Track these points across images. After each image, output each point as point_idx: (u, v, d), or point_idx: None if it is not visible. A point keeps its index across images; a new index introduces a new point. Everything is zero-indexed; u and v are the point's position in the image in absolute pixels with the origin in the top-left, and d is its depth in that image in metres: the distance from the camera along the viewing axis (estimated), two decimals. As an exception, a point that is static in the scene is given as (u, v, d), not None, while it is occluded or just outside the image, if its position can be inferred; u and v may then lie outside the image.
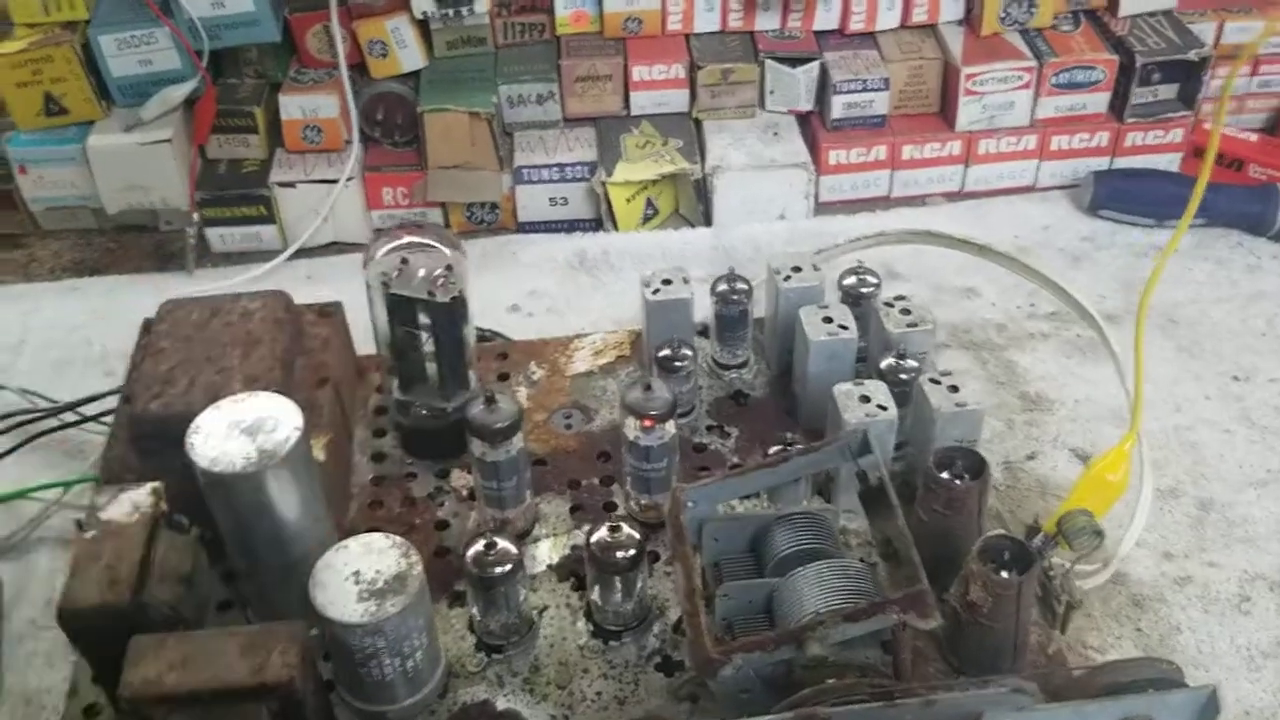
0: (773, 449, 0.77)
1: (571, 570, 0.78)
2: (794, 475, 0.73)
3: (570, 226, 1.24)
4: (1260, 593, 0.87)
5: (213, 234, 1.23)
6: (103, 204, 1.22)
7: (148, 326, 0.86)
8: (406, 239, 0.79)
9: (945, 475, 0.71)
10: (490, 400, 0.75)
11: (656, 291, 0.86)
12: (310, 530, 0.70)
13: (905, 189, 1.26)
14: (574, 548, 0.80)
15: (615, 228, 1.23)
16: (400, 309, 0.79)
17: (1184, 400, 1.03)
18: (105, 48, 1.16)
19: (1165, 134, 1.25)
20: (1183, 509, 0.93)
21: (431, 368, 0.83)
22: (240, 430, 0.67)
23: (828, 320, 0.82)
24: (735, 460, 0.85)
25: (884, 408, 0.76)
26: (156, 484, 0.71)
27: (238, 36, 1.18)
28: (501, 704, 0.71)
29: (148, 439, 0.76)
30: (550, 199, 1.23)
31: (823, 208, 1.25)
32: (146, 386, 0.77)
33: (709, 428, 0.87)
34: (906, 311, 0.83)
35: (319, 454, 0.78)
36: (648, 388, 0.75)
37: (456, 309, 0.79)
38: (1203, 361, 1.08)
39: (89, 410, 1.00)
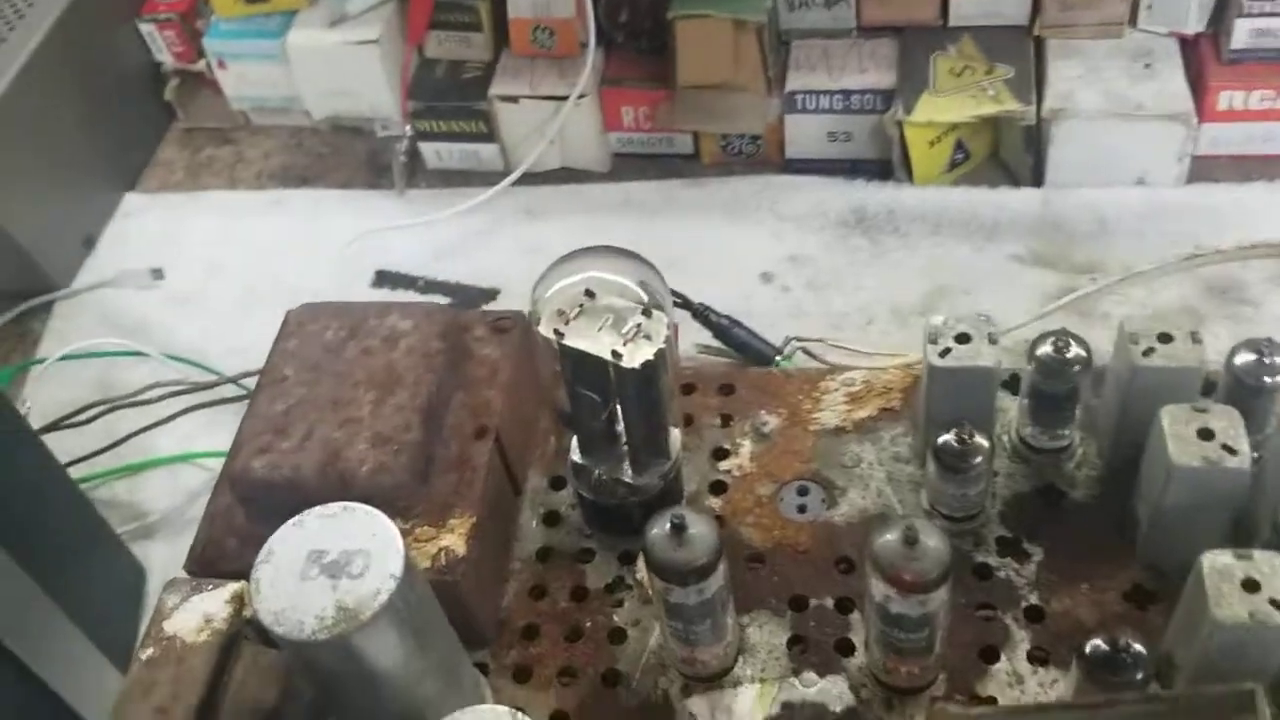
0: (1093, 644, 0.51)
1: (780, 738, 0.57)
2: (1122, 724, 0.47)
3: (851, 170, 0.98)
4: None
5: (428, 149, 1.05)
6: (307, 108, 1.05)
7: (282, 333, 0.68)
8: (590, 272, 0.57)
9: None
10: (678, 527, 0.53)
11: (946, 352, 0.60)
12: (419, 685, 0.52)
13: (1324, 148, 0.91)
14: (786, 705, 0.58)
15: (910, 178, 0.95)
16: (578, 364, 0.58)
17: None
18: (309, -77, 0.97)
19: None
20: None
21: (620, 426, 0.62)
22: (319, 568, 0.48)
23: (1206, 435, 0.54)
24: (1033, 600, 0.60)
25: (1282, 605, 0.49)
26: (239, 587, 0.55)
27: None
28: None
29: (251, 503, 0.60)
30: (829, 134, 0.97)
31: (1201, 165, 0.93)
32: (254, 434, 0.60)
33: (1001, 540, 0.62)
34: (1338, 433, 0.54)
35: (457, 544, 0.59)
36: (912, 540, 0.51)
37: (651, 369, 0.56)
38: None
39: (250, 383, 0.85)
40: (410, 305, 0.65)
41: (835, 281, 0.92)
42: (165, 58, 1.11)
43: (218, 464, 0.88)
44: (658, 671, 0.60)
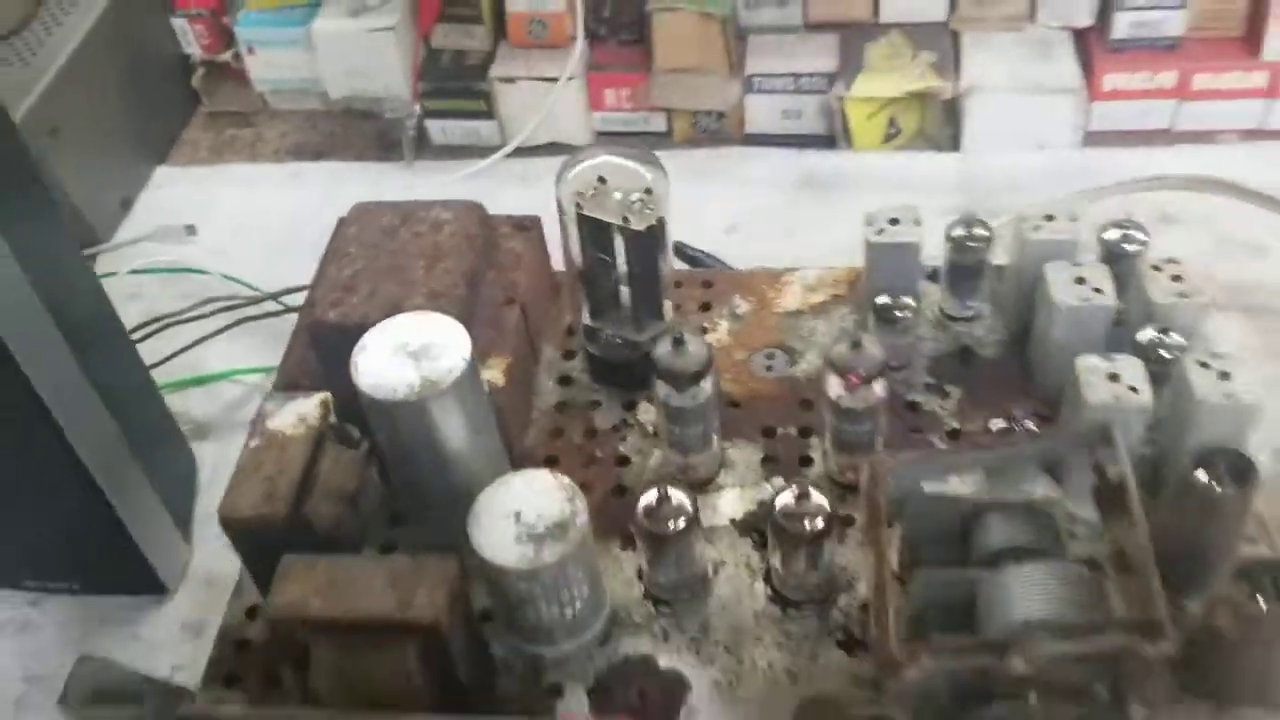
0: (995, 423, 0.67)
1: (755, 526, 0.71)
2: (1017, 462, 0.63)
3: (802, 142, 1.15)
4: None
5: (433, 126, 1.20)
6: (326, 89, 1.20)
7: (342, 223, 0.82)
8: (603, 157, 0.72)
9: (1203, 477, 0.60)
10: (679, 341, 0.68)
11: (881, 232, 0.76)
12: (476, 461, 0.66)
13: (1193, 123, 1.10)
14: (761, 503, 0.73)
15: (850, 146, 1.12)
16: (593, 232, 0.73)
17: None
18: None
19: None
20: None
21: (625, 294, 0.77)
22: (406, 353, 0.62)
23: (1080, 281, 0.71)
24: (953, 425, 0.75)
25: (1136, 390, 0.65)
26: (325, 395, 0.69)
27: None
28: (664, 661, 0.66)
29: (324, 347, 0.73)
30: (783, 112, 1.13)
31: (1092, 139, 1.11)
32: (327, 292, 0.74)
33: (927, 385, 0.77)
34: (1177, 279, 0.70)
35: (497, 377, 0.73)
36: (856, 344, 0.66)
37: (652, 237, 0.72)
38: None
39: (291, 300, 0.99)
40: (450, 201, 0.79)
41: (791, 230, 1.08)
42: (194, 49, 1.26)
43: (259, 380, 1.01)
44: (656, 483, 0.74)
